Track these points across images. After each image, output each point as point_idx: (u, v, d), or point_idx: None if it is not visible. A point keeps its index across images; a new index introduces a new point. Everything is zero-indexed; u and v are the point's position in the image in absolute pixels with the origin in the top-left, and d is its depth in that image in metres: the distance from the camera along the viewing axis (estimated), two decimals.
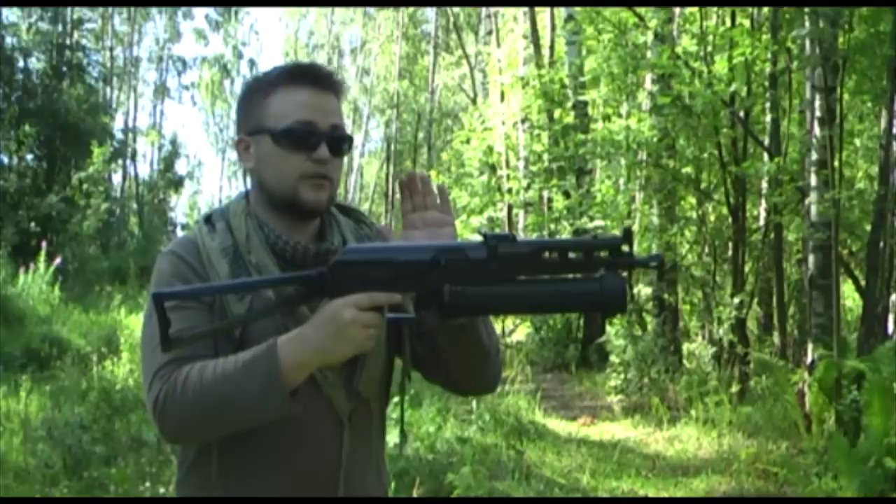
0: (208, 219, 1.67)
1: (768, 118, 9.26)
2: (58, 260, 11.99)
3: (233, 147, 1.71)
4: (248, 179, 1.71)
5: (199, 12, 38.69)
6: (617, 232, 11.24)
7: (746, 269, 9.61)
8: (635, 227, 10.83)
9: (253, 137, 1.64)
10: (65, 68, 17.34)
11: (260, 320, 1.54)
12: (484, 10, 19.27)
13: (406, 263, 1.46)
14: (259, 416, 1.49)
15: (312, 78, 1.63)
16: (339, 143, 1.63)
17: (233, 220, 1.64)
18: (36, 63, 17.34)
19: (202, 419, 1.50)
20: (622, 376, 9.25)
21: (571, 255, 1.45)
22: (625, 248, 1.42)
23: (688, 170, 9.93)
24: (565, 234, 11.82)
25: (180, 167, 30.06)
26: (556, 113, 12.42)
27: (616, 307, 1.44)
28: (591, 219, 10.51)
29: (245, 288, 1.54)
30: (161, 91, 30.86)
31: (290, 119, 1.60)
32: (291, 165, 1.60)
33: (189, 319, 1.51)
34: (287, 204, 1.62)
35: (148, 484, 4.67)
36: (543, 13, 14.06)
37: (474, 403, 6.90)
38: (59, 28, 17.42)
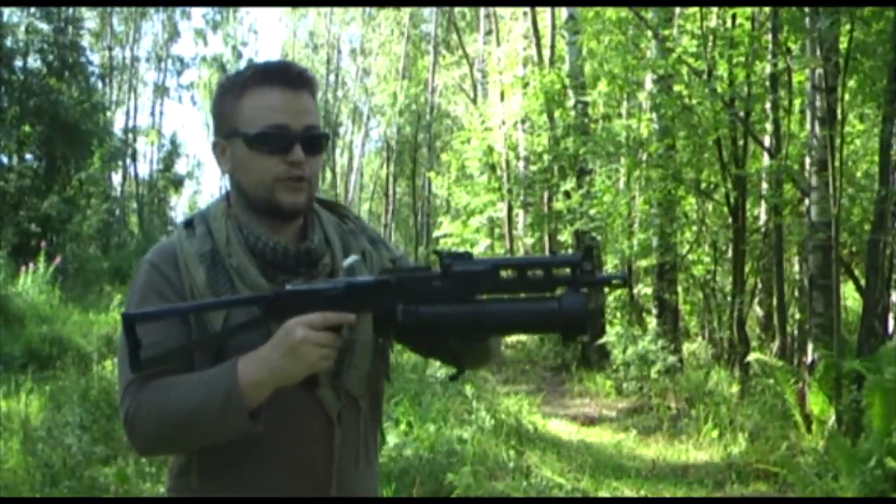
0: (189, 223, 1.66)
1: (769, 118, 9.26)
2: (58, 260, 11.99)
3: (211, 150, 1.69)
4: (228, 181, 1.70)
5: (197, 12, 38.68)
6: (617, 231, 11.24)
7: (746, 269, 9.60)
8: (635, 227, 10.84)
9: (228, 141, 1.63)
10: (64, 68, 17.33)
11: (237, 332, 1.54)
12: (483, 10, 19.26)
13: (356, 283, 1.47)
14: (220, 435, 1.50)
15: (284, 78, 1.60)
16: (314, 142, 1.61)
17: (213, 223, 1.64)
18: (35, 63, 17.33)
19: (167, 436, 1.52)
20: (622, 376, 9.25)
21: (531, 273, 1.39)
22: (586, 265, 1.35)
23: (688, 170, 9.93)
24: (566, 234, 11.82)
25: (180, 167, 30.11)
26: (556, 113, 12.42)
27: (576, 328, 1.37)
28: (592, 219, 10.51)
29: (202, 309, 1.53)
30: (160, 91, 30.86)
31: (263, 123, 1.58)
32: (266, 168, 1.59)
33: (161, 332, 1.52)
34: (265, 207, 1.61)
35: (148, 484, 4.67)
36: (544, 13, 14.06)
37: (474, 403, 6.90)
38: (58, 28, 17.40)
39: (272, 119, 1.58)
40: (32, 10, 16.62)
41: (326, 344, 1.44)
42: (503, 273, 1.41)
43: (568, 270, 1.38)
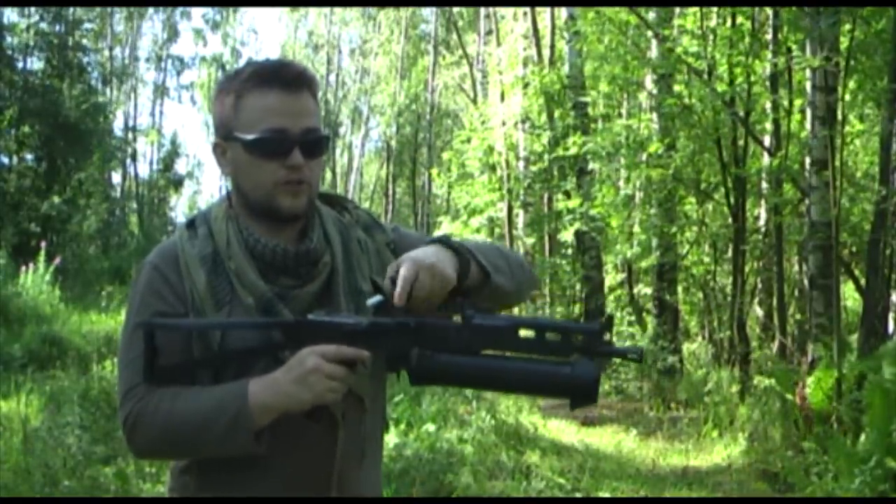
0: (191, 224, 1.65)
1: (769, 118, 9.26)
2: (58, 260, 11.98)
3: (211, 150, 1.67)
4: (229, 181, 1.69)
5: (197, 12, 38.66)
6: (617, 232, 11.20)
7: (746, 269, 9.60)
8: (636, 228, 10.84)
9: (227, 143, 1.61)
10: (66, 69, 17.34)
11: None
12: (483, 10, 19.26)
13: (376, 322, 1.47)
14: (222, 450, 1.51)
15: (282, 79, 1.56)
16: (314, 145, 1.59)
17: (214, 225, 1.62)
18: (36, 63, 17.35)
19: (168, 446, 1.54)
20: (622, 376, 9.25)
21: (549, 335, 1.40)
22: (605, 335, 1.36)
23: (688, 170, 9.93)
24: (566, 234, 11.81)
25: (180, 167, 30.16)
26: (556, 113, 12.42)
27: (586, 397, 1.37)
28: (592, 219, 10.50)
29: (224, 327, 1.54)
30: (160, 91, 30.88)
31: (261, 127, 1.55)
32: (265, 173, 1.56)
33: (170, 341, 1.52)
34: (264, 210, 1.60)
35: (148, 484, 4.67)
36: (544, 13, 14.06)
37: (474, 404, 6.90)
38: (59, 28, 17.42)
39: (270, 123, 1.55)
40: (40, 11, 16.65)
41: (337, 377, 1.44)
42: (521, 332, 1.41)
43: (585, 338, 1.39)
